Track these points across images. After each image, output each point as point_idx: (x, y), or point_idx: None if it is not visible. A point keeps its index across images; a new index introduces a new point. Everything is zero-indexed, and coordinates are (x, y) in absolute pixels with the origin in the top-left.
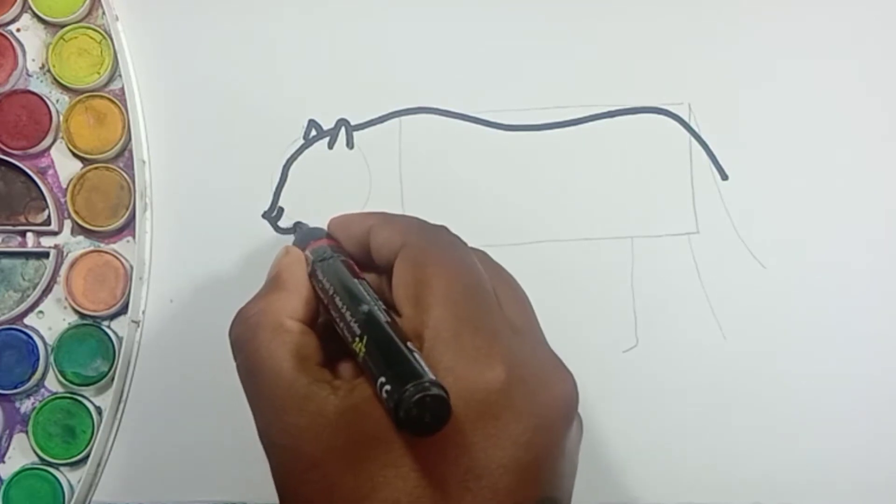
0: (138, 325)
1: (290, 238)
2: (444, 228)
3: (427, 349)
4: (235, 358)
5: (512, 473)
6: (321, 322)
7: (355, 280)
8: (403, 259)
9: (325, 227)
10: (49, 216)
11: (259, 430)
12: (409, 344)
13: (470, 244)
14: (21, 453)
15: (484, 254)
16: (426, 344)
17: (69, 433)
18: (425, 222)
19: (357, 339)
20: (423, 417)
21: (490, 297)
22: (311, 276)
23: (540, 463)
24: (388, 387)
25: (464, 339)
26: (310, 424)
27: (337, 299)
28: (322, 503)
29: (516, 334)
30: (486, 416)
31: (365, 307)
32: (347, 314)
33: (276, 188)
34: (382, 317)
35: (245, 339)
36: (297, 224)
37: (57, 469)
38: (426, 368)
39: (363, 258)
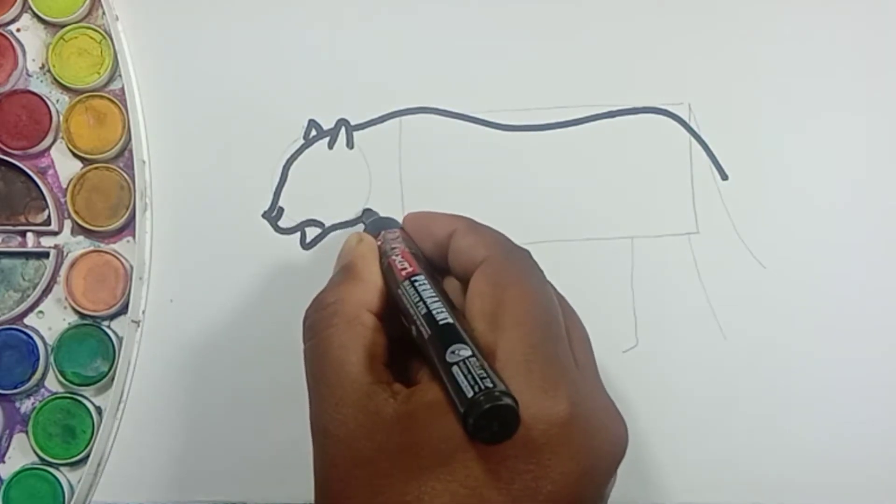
0: (138, 325)
1: (291, 238)
2: (527, 252)
3: (498, 369)
4: (306, 341)
5: None
6: (385, 313)
7: (437, 278)
8: (484, 273)
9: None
10: (49, 216)
11: (312, 416)
12: (477, 350)
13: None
14: (21, 453)
15: (552, 286)
16: (497, 364)
17: (69, 433)
18: (510, 241)
19: (436, 336)
20: (492, 425)
21: (562, 331)
22: (390, 265)
23: (583, 501)
24: (461, 391)
25: (534, 368)
26: (365, 421)
27: (419, 295)
28: (363, 501)
29: (580, 371)
30: (544, 447)
31: (443, 311)
32: (430, 306)
33: (276, 188)
34: (460, 324)
35: (320, 326)
36: (367, 210)
37: (57, 469)
38: (501, 379)
39: (435, 258)
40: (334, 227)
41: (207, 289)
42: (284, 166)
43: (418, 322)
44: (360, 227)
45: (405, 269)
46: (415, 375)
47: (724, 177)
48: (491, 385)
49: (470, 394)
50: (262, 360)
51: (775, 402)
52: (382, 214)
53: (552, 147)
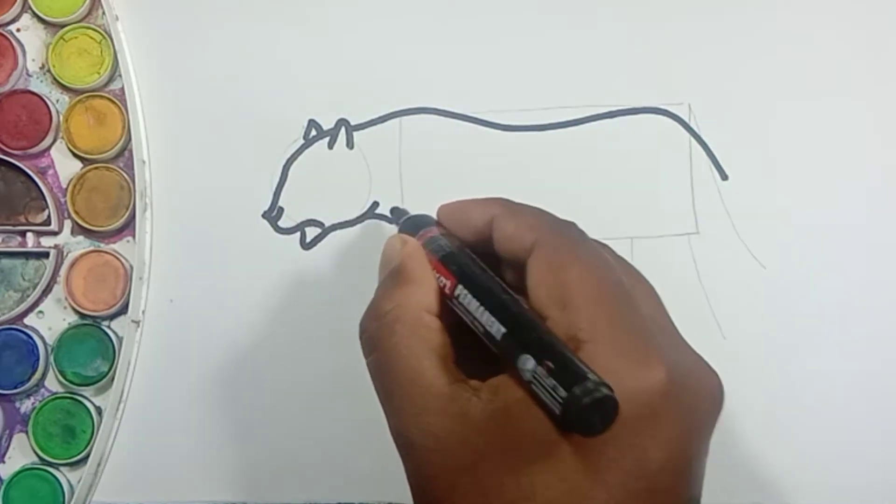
0: (138, 325)
1: (291, 238)
2: (574, 224)
3: (585, 351)
4: (368, 354)
5: (669, 474)
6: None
7: (489, 273)
8: (540, 259)
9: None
10: (49, 216)
11: (394, 431)
12: (559, 340)
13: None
14: (21, 453)
15: (609, 248)
16: (584, 346)
17: (69, 433)
18: (554, 217)
19: (511, 332)
20: (593, 418)
21: (633, 297)
22: (438, 265)
23: (692, 462)
24: (550, 387)
25: (621, 340)
26: (455, 427)
27: (481, 291)
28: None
29: (662, 333)
30: (648, 417)
31: (515, 300)
32: (497, 306)
33: (276, 188)
34: (531, 314)
35: (381, 335)
36: (395, 209)
37: (57, 469)
38: (590, 368)
39: (479, 247)
40: (334, 227)
41: (207, 289)
42: (284, 166)
43: (486, 328)
44: (360, 226)
45: (445, 285)
46: (489, 367)
47: (724, 177)
48: (583, 376)
49: (562, 393)
50: (262, 359)
51: (775, 401)
52: (502, 204)
53: (552, 147)
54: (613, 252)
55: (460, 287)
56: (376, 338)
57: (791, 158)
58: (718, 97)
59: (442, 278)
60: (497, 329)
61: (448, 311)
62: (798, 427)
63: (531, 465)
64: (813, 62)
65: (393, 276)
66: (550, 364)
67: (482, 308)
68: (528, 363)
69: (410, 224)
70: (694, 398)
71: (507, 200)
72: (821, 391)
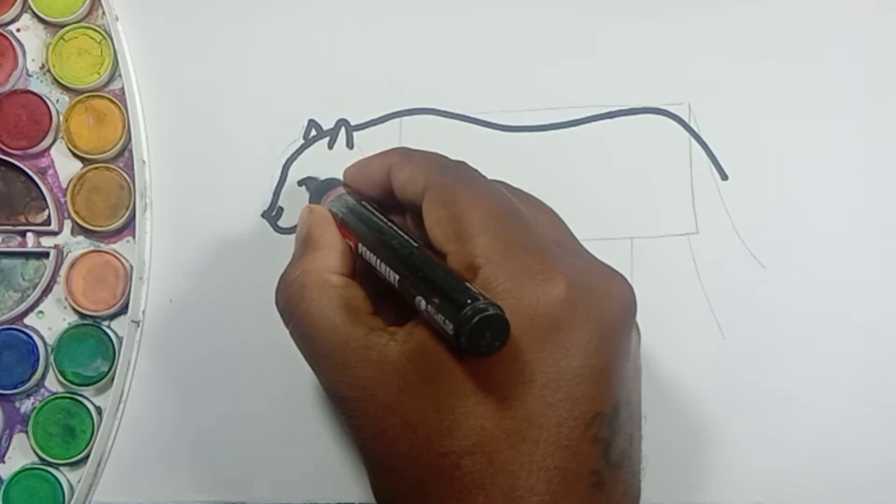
0: (138, 325)
1: (290, 237)
2: (464, 163)
3: (482, 276)
4: (287, 324)
5: (586, 381)
6: (359, 271)
7: (386, 222)
8: (431, 200)
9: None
10: (49, 216)
11: (326, 389)
12: (452, 271)
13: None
14: (21, 453)
15: (505, 183)
16: (481, 271)
17: (69, 433)
18: (445, 159)
19: (404, 277)
20: (485, 339)
21: (526, 218)
22: (341, 227)
23: (610, 367)
24: (444, 320)
25: (516, 260)
26: (377, 373)
27: (374, 244)
28: (405, 444)
29: (561, 248)
30: (553, 329)
31: (404, 246)
32: (388, 256)
33: (276, 188)
34: (422, 251)
35: (293, 303)
36: (308, 179)
37: (57, 469)
38: (478, 291)
39: (386, 199)
40: None
41: (207, 289)
42: (284, 166)
43: (386, 278)
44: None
45: (361, 218)
46: (411, 315)
47: (724, 177)
48: (464, 303)
49: (450, 323)
50: (262, 359)
51: (775, 401)
52: (398, 153)
53: (552, 147)
54: (509, 185)
55: (362, 240)
56: (289, 306)
57: (791, 159)
58: (718, 97)
59: (349, 234)
60: (394, 277)
61: (363, 267)
62: (798, 427)
63: (448, 395)
64: (813, 62)
65: (300, 245)
66: (436, 300)
67: (378, 260)
68: (421, 303)
69: (319, 190)
70: (600, 305)
71: (405, 149)
72: (821, 391)
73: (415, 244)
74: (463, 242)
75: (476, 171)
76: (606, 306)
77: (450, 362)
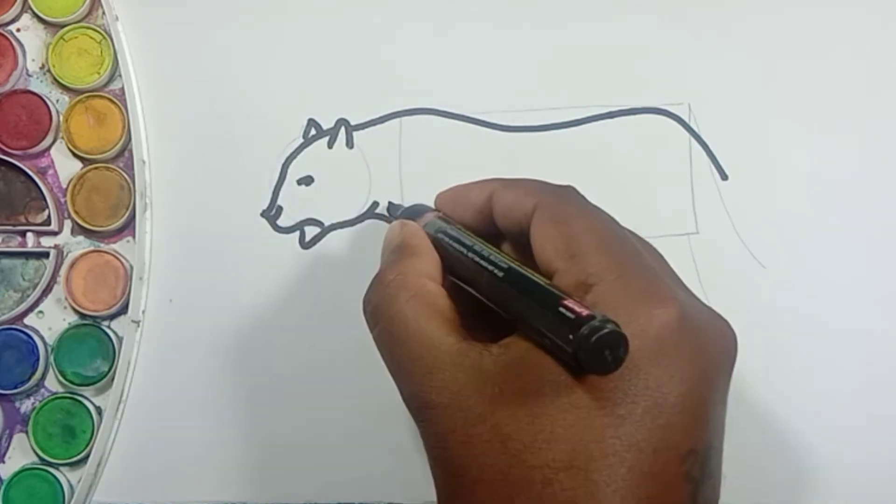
0: (138, 325)
1: (290, 237)
2: (572, 186)
3: (594, 294)
4: (374, 326)
5: (686, 412)
6: (447, 289)
7: (483, 241)
8: (542, 218)
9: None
10: (49, 216)
11: (407, 395)
12: (561, 288)
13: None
14: (21, 453)
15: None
16: (593, 289)
17: (69, 433)
18: (551, 183)
19: (508, 295)
20: (604, 356)
21: (637, 245)
22: (437, 243)
23: (708, 405)
24: (559, 332)
25: (630, 282)
26: (468, 380)
27: (474, 262)
28: (494, 455)
29: (671, 279)
30: (662, 353)
31: (506, 263)
32: (491, 273)
33: (275, 187)
34: (526, 269)
35: (385, 303)
36: (392, 205)
37: (57, 469)
38: (595, 309)
39: (481, 226)
40: (333, 227)
41: (207, 289)
42: (283, 165)
43: (490, 291)
44: (359, 226)
45: (462, 237)
46: (496, 337)
47: (724, 177)
48: (589, 316)
49: (570, 333)
50: (263, 359)
51: (775, 401)
52: (499, 180)
53: (552, 147)
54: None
55: (462, 256)
56: (381, 307)
57: (791, 158)
58: (718, 97)
59: (445, 252)
60: (500, 288)
61: (454, 288)
62: (798, 427)
63: (548, 407)
64: (813, 62)
65: (395, 252)
66: (547, 316)
67: (484, 272)
68: (534, 315)
69: (409, 212)
70: (706, 340)
71: (505, 178)
72: (821, 391)
73: (517, 262)
74: (576, 260)
75: (583, 195)
76: (712, 344)
77: (551, 374)
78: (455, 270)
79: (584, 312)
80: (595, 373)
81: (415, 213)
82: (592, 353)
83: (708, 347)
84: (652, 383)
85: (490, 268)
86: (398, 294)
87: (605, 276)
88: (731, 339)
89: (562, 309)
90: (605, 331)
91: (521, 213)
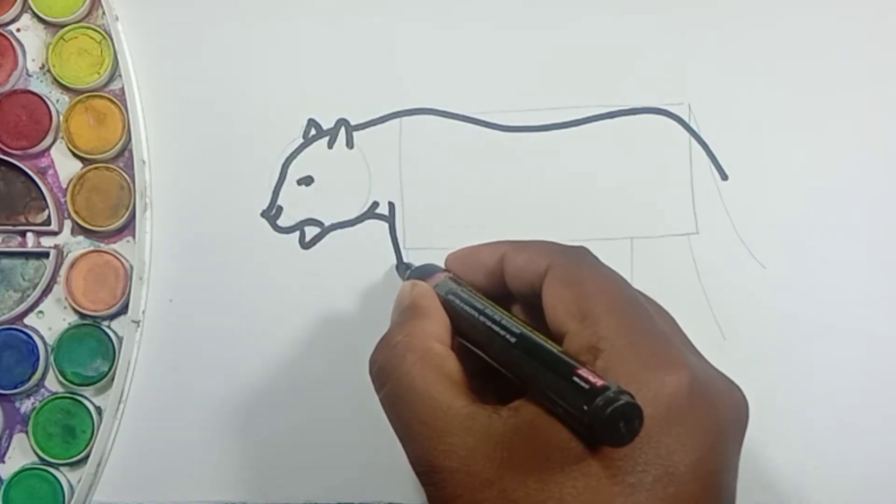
0: (138, 325)
1: (290, 237)
2: (584, 247)
3: (605, 359)
4: (380, 388)
5: (699, 481)
6: (456, 350)
7: (495, 305)
8: (555, 278)
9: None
10: (49, 216)
11: (415, 458)
12: (574, 356)
13: (470, 244)
14: (21, 453)
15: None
16: (604, 354)
17: (69, 433)
18: (563, 244)
19: (519, 360)
20: (619, 428)
21: (648, 309)
22: (447, 305)
23: (720, 474)
24: (573, 401)
25: (642, 346)
26: (478, 444)
27: (485, 325)
28: None
29: (683, 344)
30: (673, 421)
31: (518, 328)
32: (502, 337)
33: (275, 187)
34: (538, 335)
35: (393, 365)
36: (404, 264)
37: (57, 469)
38: (607, 379)
39: (492, 288)
40: (333, 227)
41: (207, 289)
42: (283, 165)
43: (500, 354)
44: (359, 226)
45: (473, 299)
46: (505, 400)
47: (724, 177)
48: (603, 387)
49: (585, 403)
50: (263, 359)
51: (775, 401)
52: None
53: (552, 148)
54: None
55: (473, 319)
56: (387, 368)
57: (791, 158)
58: (718, 97)
59: (455, 314)
60: (512, 354)
61: (462, 350)
62: (798, 427)
63: (557, 474)
64: (813, 62)
65: (403, 313)
66: (559, 384)
67: (496, 337)
68: (547, 383)
69: (419, 272)
70: (719, 406)
71: (515, 240)
72: (821, 391)
73: (529, 327)
74: (587, 323)
75: (596, 256)
76: (724, 411)
77: (562, 441)
78: (465, 333)
79: (599, 383)
80: (609, 444)
81: (426, 272)
82: (607, 425)
83: (720, 414)
84: (663, 451)
85: (502, 333)
86: (405, 356)
87: (617, 340)
88: (743, 404)
89: (576, 378)
90: (621, 402)
91: (534, 274)
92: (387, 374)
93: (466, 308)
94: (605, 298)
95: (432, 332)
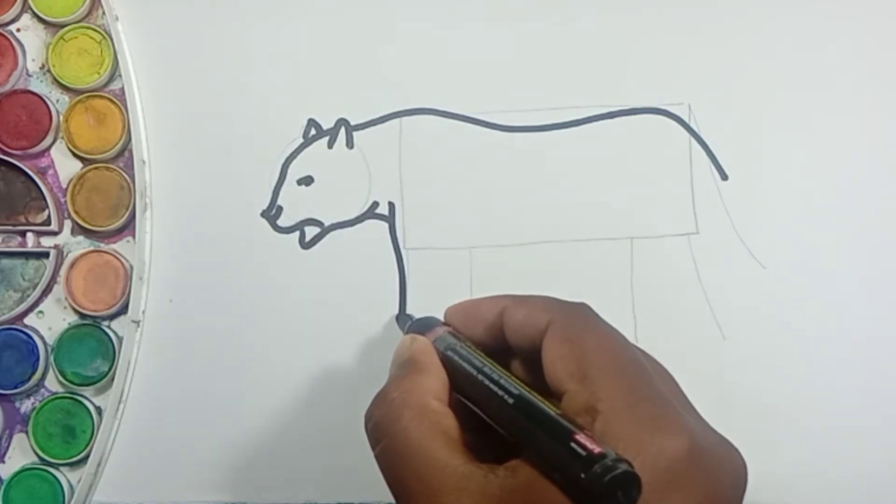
0: (138, 325)
1: (290, 237)
2: (585, 304)
3: (604, 421)
4: (376, 444)
5: None
6: (453, 407)
7: (494, 363)
8: (555, 335)
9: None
10: (49, 216)
11: None
12: (571, 419)
13: (470, 245)
14: (21, 453)
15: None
16: (602, 416)
17: (69, 433)
18: (564, 300)
19: (516, 421)
20: (616, 495)
21: (649, 369)
22: (445, 362)
23: None
24: (570, 467)
25: (640, 409)
26: (474, 503)
27: (482, 384)
28: None
29: (682, 406)
30: (671, 486)
31: (517, 389)
32: (500, 398)
33: (275, 187)
34: (537, 397)
35: (389, 421)
36: (404, 315)
37: (57, 469)
38: (605, 445)
39: (491, 342)
40: (333, 227)
41: (207, 289)
42: (283, 165)
43: (498, 415)
44: (359, 226)
45: (472, 356)
46: (503, 458)
47: (724, 177)
48: (601, 454)
49: (582, 471)
50: (262, 359)
51: (775, 401)
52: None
53: (552, 148)
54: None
55: (471, 377)
56: (383, 424)
57: (791, 158)
58: (718, 97)
59: (453, 370)
60: (510, 415)
61: (459, 405)
62: (798, 427)
63: None
64: (813, 62)
65: (400, 368)
66: (567, 445)
67: (493, 395)
68: (544, 447)
69: (419, 326)
70: (717, 471)
71: (515, 294)
72: (821, 391)
73: (527, 388)
74: (586, 383)
75: (596, 312)
76: (722, 476)
77: (559, 502)
78: (463, 390)
79: (597, 450)
80: None
81: (425, 326)
82: (605, 494)
83: (719, 479)
84: None
85: (500, 392)
86: (402, 412)
87: (615, 401)
88: (742, 468)
89: (573, 444)
90: (619, 471)
91: (534, 330)
92: (383, 430)
93: (465, 365)
94: (604, 358)
95: (430, 388)
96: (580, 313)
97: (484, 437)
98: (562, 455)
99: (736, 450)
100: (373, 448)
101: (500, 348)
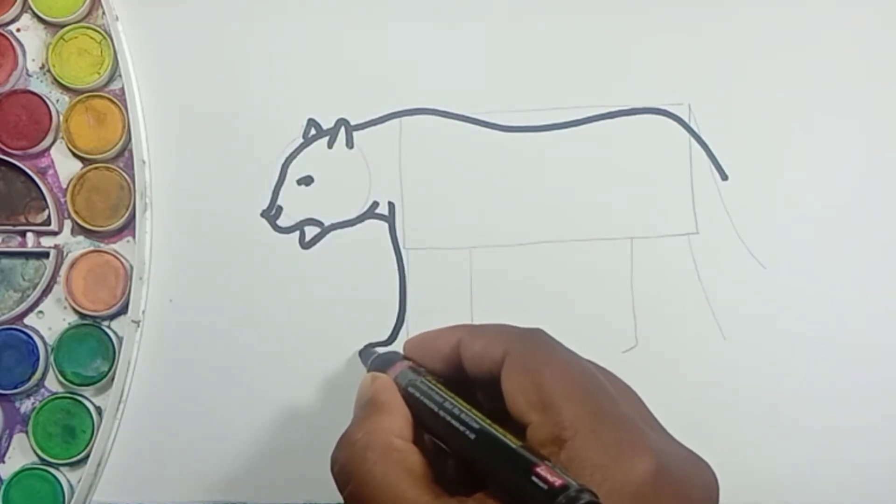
0: (138, 325)
1: (290, 237)
2: (541, 330)
3: (569, 449)
4: (343, 487)
5: None
6: (418, 442)
7: (454, 397)
8: (512, 367)
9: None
10: (49, 216)
11: None
12: (533, 451)
13: (470, 245)
14: (21, 453)
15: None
16: (567, 444)
17: (69, 433)
18: (520, 327)
19: (478, 455)
20: None
21: (611, 391)
22: (407, 398)
23: None
24: (532, 501)
25: (604, 434)
26: None
27: (444, 419)
28: None
29: (647, 425)
30: None
31: (478, 423)
32: (461, 432)
33: (275, 187)
34: (498, 430)
35: (354, 464)
36: (364, 350)
37: (57, 469)
38: (566, 475)
39: (451, 374)
40: (333, 227)
41: (207, 289)
42: (283, 165)
43: (460, 450)
44: (359, 226)
45: (432, 391)
46: (471, 490)
47: (724, 177)
48: (563, 486)
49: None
50: (262, 359)
51: (775, 402)
52: (466, 327)
53: (552, 148)
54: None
55: (433, 413)
56: (348, 467)
57: (791, 158)
58: (718, 97)
59: (415, 407)
60: (472, 450)
61: (424, 439)
62: (798, 427)
63: None
64: (813, 62)
65: (363, 408)
66: (529, 479)
67: (455, 431)
68: (506, 480)
69: (379, 362)
70: (687, 486)
71: (472, 325)
72: (821, 391)
73: (488, 421)
74: (549, 414)
75: (552, 337)
76: (692, 492)
77: None
78: (426, 425)
79: (558, 482)
80: None
81: (386, 362)
82: None
83: (688, 496)
84: None
85: (461, 428)
86: (365, 454)
87: (580, 428)
88: (712, 482)
89: (535, 478)
90: (581, 502)
91: (491, 362)
92: (349, 473)
93: (425, 401)
94: (564, 385)
95: (392, 427)
96: (536, 341)
97: (456, 467)
98: (524, 489)
99: (705, 464)
100: (340, 491)
101: (461, 378)
